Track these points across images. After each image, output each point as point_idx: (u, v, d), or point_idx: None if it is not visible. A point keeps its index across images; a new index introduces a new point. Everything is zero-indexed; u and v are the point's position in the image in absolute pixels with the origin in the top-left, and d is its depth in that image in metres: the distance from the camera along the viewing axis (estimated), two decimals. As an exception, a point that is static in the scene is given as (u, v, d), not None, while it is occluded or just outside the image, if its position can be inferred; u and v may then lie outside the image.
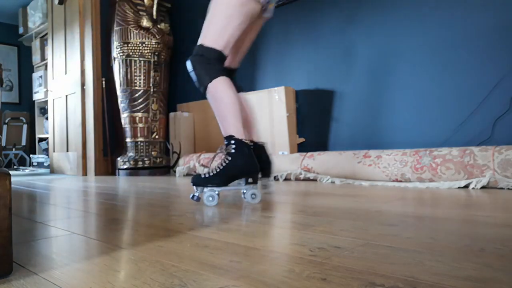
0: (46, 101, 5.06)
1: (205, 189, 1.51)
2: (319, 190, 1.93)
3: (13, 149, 5.83)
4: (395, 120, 2.46)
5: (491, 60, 2.10)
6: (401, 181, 2.06)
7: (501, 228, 0.95)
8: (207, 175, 1.50)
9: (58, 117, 4.32)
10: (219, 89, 1.52)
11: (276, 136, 2.90)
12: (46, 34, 5.18)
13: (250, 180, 1.51)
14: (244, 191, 1.54)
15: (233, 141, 1.50)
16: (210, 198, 1.49)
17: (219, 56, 1.56)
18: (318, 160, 2.46)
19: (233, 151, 1.49)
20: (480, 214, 1.14)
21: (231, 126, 1.52)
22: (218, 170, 1.49)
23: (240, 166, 1.48)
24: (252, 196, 1.51)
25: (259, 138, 1.79)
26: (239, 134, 1.51)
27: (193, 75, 1.57)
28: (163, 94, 3.76)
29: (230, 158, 1.48)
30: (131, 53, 3.58)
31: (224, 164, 1.49)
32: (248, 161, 1.49)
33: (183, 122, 3.56)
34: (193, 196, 1.53)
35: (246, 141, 1.51)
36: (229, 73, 1.75)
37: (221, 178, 1.49)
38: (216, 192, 1.51)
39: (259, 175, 1.67)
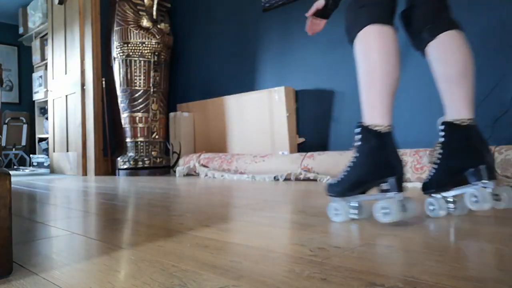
0: (46, 101, 5.05)
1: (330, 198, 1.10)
2: (319, 190, 1.93)
3: (13, 149, 5.83)
4: (395, 120, 2.44)
5: (491, 60, 2.10)
6: (401, 181, 2.06)
7: (501, 228, 0.95)
8: (331, 181, 1.10)
9: (58, 117, 4.32)
10: (364, 43, 1.07)
11: (276, 136, 2.90)
12: (46, 34, 5.17)
13: (385, 186, 1.01)
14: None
15: (358, 130, 1.06)
16: (334, 211, 1.08)
17: None
18: (318, 160, 2.46)
19: (359, 143, 1.06)
20: (480, 214, 1.14)
21: (364, 103, 1.07)
22: (343, 174, 1.08)
23: (365, 166, 1.03)
24: (382, 210, 0.97)
25: (467, 114, 1.10)
26: (373, 117, 1.05)
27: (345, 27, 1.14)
28: (163, 94, 3.76)
29: (356, 156, 1.06)
30: (131, 53, 3.58)
31: (349, 165, 1.07)
32: (378, 156, 1.02)
33: (183, 122, 3.56)
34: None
35: (377, 128, 1.03)
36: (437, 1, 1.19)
37: (342, 185, 1.06)
38: (353, 204, 1.07)
39: (476, 174, 1.02)
